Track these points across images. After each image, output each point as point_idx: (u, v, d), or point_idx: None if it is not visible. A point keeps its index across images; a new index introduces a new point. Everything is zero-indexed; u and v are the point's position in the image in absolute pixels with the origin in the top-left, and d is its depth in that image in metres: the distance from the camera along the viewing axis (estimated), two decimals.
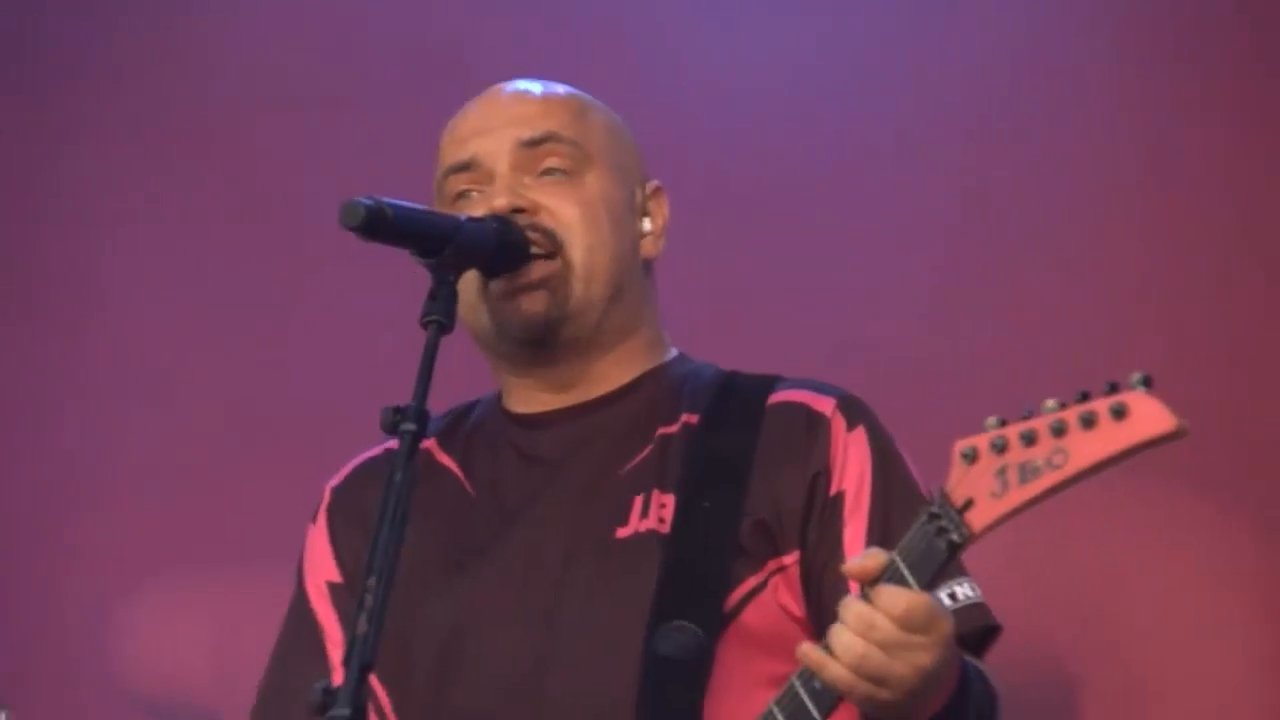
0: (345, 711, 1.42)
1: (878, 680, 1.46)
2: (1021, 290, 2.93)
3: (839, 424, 1.81)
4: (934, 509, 1.47)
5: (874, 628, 1.44)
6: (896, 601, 1.44)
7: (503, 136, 1.84)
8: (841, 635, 1.45)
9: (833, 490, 1.78)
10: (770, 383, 1.88)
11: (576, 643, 1.75)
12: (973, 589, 1.70)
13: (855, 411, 1.83)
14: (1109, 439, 1.40)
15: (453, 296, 1.64)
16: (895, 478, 1.80)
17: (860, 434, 1.81)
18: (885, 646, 1.45)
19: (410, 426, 1.53)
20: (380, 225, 1.61)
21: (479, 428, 1.92)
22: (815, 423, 1.82)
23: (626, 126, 1.98)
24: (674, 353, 1.95)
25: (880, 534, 1.72)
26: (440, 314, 1.60)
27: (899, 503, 1.76)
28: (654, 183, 1.95)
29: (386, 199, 1.62)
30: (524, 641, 1.75)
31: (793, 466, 1.79)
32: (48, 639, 4.00)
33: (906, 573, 1.46)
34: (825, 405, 1.83)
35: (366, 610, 1.46)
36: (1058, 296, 2.95)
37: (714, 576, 1.75)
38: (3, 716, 4.49)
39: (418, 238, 1.66)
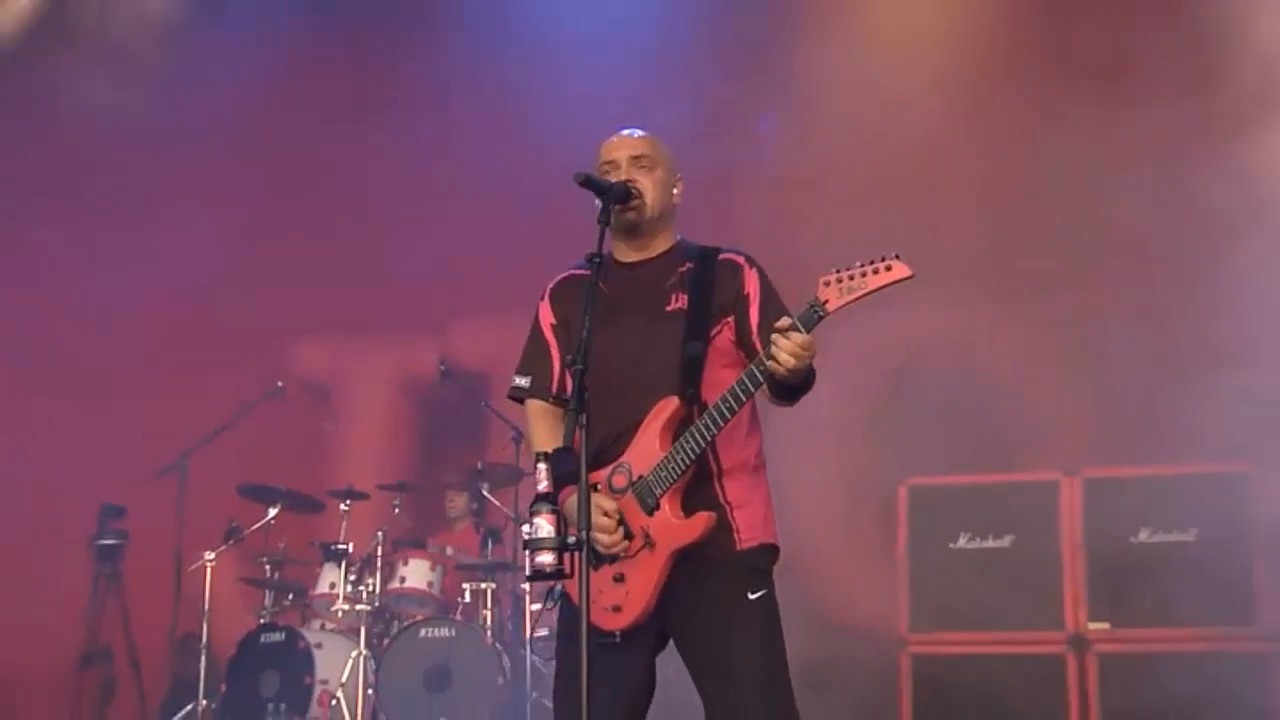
0: (581, 365, 3.65)
1: (794, 371, 3.64)
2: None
3: (747, 267, 4.10)
4: (812, 302, 3.63)
5: (797, 348, 3.59)
6: (804, 338, 3.61)
7: (624, 152, 4.12)
8: (782, 352, 3.60)
9: (744, 293, 4.03)
10: (718, 250, 4.15)
11: (654, 352, 3.98)
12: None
13: (752, 262, 4.11)
14: (883, 277, 3.60)
15: (609, 212, 3.93)
16: (768, 291, 4.04)
17: (755, 271, 4.09)
18: (798, 357, 3.61)
19: (597, 260, 3.86)
20: (588, 183, 3.89)
21: (608, 266, 4.07)
22: (737, 266, 4.10)
23: (669, 149, 4.21)
24: (680, 238, 4.22)
25: (761, 313, 3.96)
26: (605, 219, 3.92)
27: (769, 300, 4.00)
28: (679, 174, 4.22)
29: (592, 173, 3.94)
30: (632, 353, 3.98)
31: (729, 284, 4.04)
32: None
33: (800, 328, 3.63)
34: (740, 259, 4.12)
35: (586, 329, 3.69)
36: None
37: (704, 325, 3.99)
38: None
39: (598, 189, 3.93)
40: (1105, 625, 6.72)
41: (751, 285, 4.14)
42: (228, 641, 7.93)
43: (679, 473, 3.98)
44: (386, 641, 7.73)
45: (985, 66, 8.40)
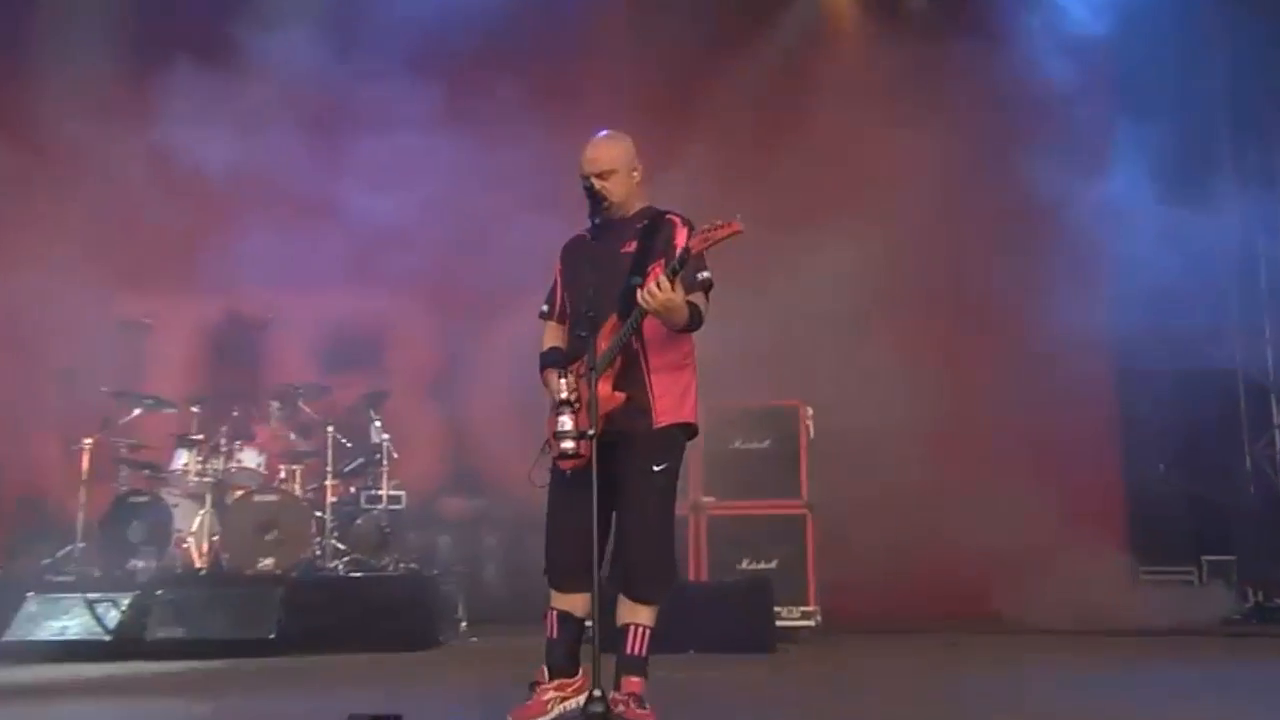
0: (590, 291, 5.23)
1: (656, 310, 5.08)
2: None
3: (680, 224, 5.30)
4: (682, 249, 5.08)
5: (647, 294, 5.05)
6: (656, 289, 5.03)
7: (590, 169, 5.34)
8: (645, 293, 5.05)
9: (673, 243, 5.24)
10: (665, 212, 5.37)
11: (614, 282, 5.21)
12: (705, 272, 5.23)
13: (686, 221, 5.27)
14: (724, 229, 4.97)
15: (598, 204, 5.30)
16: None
17: (685, 228, 5.25)
18: (654, 297, 5.05)
19: (595, 224, 5.33)
20: (589, 190, 5.30)
21: (600, 224, 5.29)
22: (673, 223, 5.30)
23: (624, 145, 5.38)
24: (648, 204, 5.45)
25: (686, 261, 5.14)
26: (595, 210, 5.30)
27: (689, 251, 5.07)
28: (636, 163, 5.41)
29: (596, 183, 5.28)
30: (597, 282, 5.23)
31: (665, 235, 5.29)
32: None
33: (676, 264, 5.07)
34: (677, 219, 5.32)
35: (592, 287, 5.27)
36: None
37: (643, 265, 5.25)
38: None
39: (589, 194, 5.32)
40: (711, 498, 9.84)
41: (680, 238, 5.22)
42: (95, 503, 9.81)
43: (608, 363, 5.15)
44: (229, 504, 9.84)
45: None
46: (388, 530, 10.16)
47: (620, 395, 5.13)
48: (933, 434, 10.48)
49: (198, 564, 9.76)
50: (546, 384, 5.30)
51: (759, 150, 10.87)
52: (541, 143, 9.98)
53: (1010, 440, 10.74)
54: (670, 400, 5.28)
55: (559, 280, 5.56)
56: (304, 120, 11.06)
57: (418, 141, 10.89)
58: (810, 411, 9.91)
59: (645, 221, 5.35)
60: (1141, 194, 10.48)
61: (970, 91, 10.92)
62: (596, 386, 5.06)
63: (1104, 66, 11.45)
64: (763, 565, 9.79)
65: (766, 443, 9.94)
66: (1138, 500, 11.27)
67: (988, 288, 10.82)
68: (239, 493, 10.03)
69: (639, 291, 5.02)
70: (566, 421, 4.99)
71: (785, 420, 9.97)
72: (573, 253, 5.49)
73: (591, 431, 4.89)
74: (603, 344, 5.15)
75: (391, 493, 10.40)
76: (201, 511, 9.97)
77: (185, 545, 9.84)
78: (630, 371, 5.22)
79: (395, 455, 10.55)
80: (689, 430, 5.34)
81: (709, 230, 4.93)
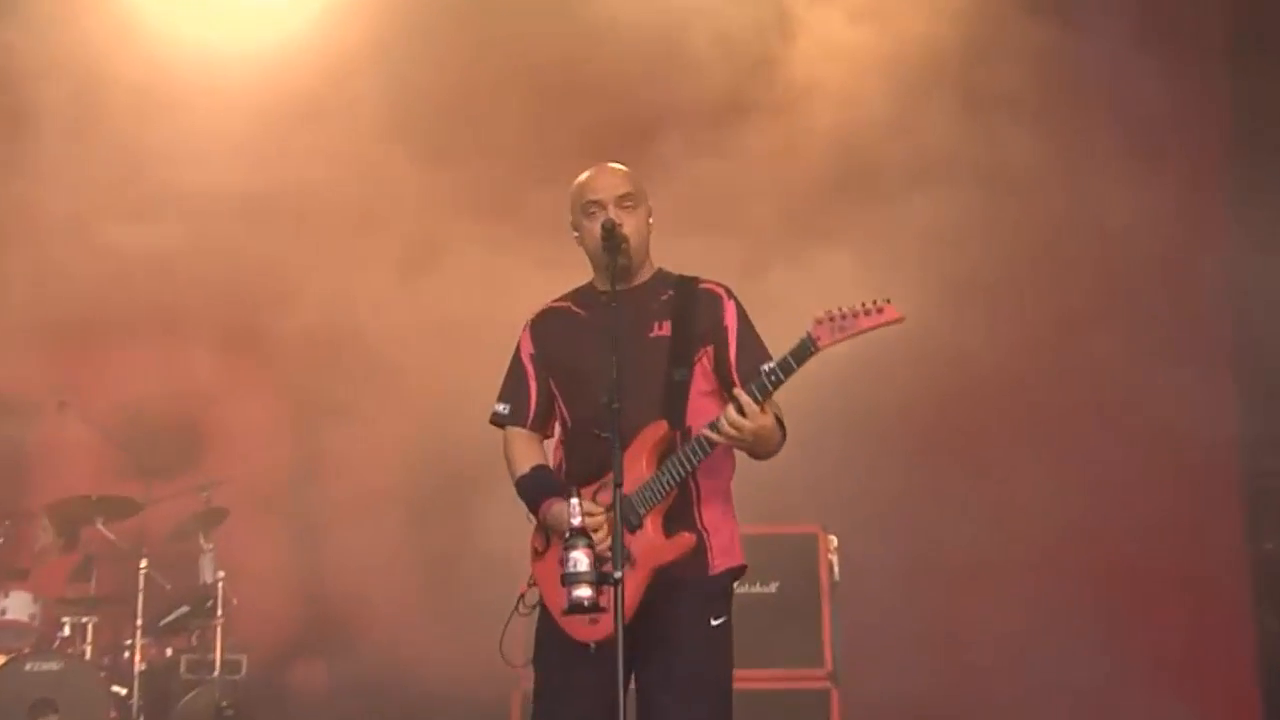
0: (614, 374, 3.91)
1: (761, 439, 4.00)
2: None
3: (726, 298, 4.31)
4: (804, 338, 3.86)
5: (731, 428, 3.94)
6: (743, 422, 3.91)
7: (609, 193, 4.29)
8: (726, 424, 3.95)
9: (724, 325, 4.26)
10: (697, 279, 4.37)
11: (638, 376, 4.07)
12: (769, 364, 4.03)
13: (731, 294, 4.33)
14: (874, 319, 3.84)
15: (618, 249, 4.13)
16: (745, 325, 4.27)
17: (734, 304, 4.31)
18: (741, 430, 3.93)
19: (596, 287, 4.25)
20: (607, 230, 4.12)
21: (590, 295, 4.37)
22: (716, 297, 4.31)
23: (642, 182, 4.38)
24: (660, 267, 4.43)
25: (739, 348, 4.22)
26: (609, 255, 4.09)
27: (745, 335, 4.24)
28: (651, 203, 4.38)
29: (612, 229, 4.11)
30: (626, 367, 3.97)
31: (708, 315, 4.27)
32: None
33: (793, 362, 3.91)
34: (720, 290, 4.33)
35: (615, 368, 3.90)
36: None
37: (686, 353, 4.22)
38: None
39: (606, 234, 4.14)
40: None
41: (730, 318, 4.38)
42: None
43: (663, 494, 4.20)
44: None
45: None
46: (229, 711, 8.10)
47: (689, 539, 4.22)
48: (996, 572, 8.48)
49: None
50: (545, 517, 4.31)
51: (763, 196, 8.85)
52: None
53: (1103, 581, 8.67)
54: (724, 538, 4.38)
55: (530, 369, 4.52)
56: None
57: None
58: (834, 541, 7.93)
59: (670, 293, 4.40)
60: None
61: (1028, 100, 8.69)
62: (644, 524, 4.21)
63: (1229, 79, 9.24)
64: None
65: (774, 585, 7.84)
66: (1275, 663, 9.17)
67: (1068, 373, 8.80)
68: (2, 659, 7.90)
69: (719, 419, 4.06)
70: (582, 559, 3.91)
71: (800, 553, 7.90)
72: (556, 328, 4.48)
73: (618, 574, 3.87)
74: (642, 460, 4.21)
75: (229, 656, 8.39)
76: None
77: None
78: (677, 502, 4.28)
79: (234, 601, 8.46)
80: (741, 572, 4.45)
81: (851, 317, 3.95)
